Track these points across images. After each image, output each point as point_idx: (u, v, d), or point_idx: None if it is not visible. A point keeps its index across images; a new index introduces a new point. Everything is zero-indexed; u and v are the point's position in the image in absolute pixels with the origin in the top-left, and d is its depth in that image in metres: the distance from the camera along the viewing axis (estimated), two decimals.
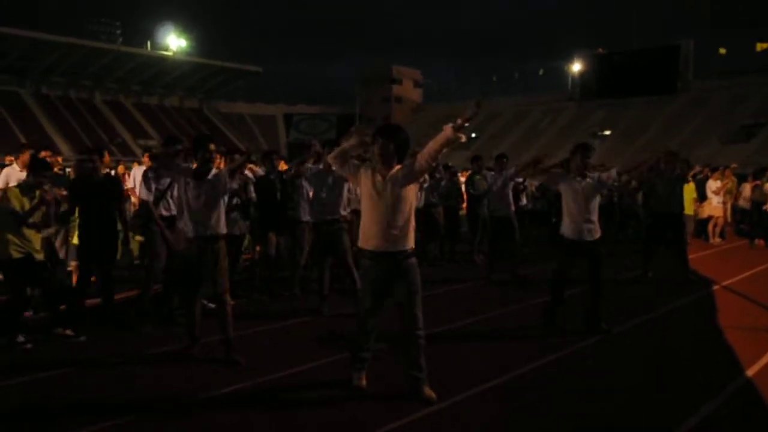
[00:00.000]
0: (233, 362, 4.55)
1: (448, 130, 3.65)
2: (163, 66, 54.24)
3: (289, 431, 3.52)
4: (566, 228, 5.58)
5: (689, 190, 10.68)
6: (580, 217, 5.50)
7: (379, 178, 3.87)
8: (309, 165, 6.52)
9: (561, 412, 3.80)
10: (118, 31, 53.72)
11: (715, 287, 7.75)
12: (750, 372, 4.50)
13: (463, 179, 10.95)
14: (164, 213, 5.58)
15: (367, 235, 3.89)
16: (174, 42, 55.80)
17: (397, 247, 3.85)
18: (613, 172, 5.78)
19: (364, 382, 4.08)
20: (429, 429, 3.55)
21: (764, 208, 11.97)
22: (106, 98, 53.28)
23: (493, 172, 8.57)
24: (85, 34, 50.37)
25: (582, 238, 5.50)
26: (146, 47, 54.07)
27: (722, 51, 49.34)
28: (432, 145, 3.73)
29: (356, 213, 7.24)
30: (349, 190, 6.49)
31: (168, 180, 5.54)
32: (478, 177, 9.71)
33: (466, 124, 3.60)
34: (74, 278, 6.44)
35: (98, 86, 52.67)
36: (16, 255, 4.93)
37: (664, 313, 6.40)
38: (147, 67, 53.61)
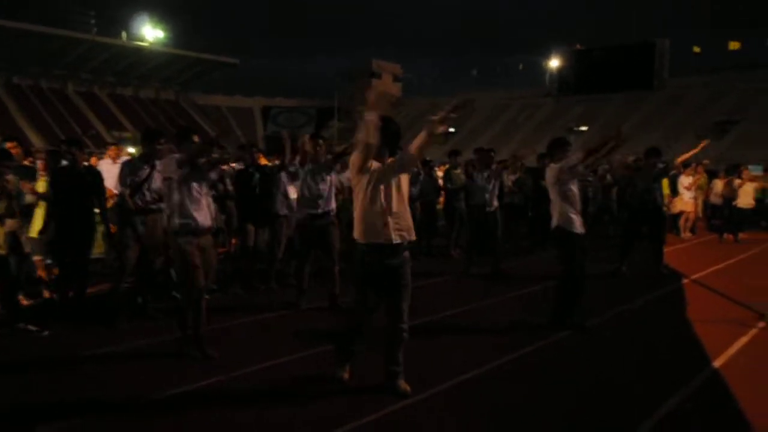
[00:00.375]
0: (207, 357, 4.51)
1: (427, 126, 3.68)
2: (138, 57, 53.36)
3: (263, 425, 3.51)
4: (572, 222, 5.53)
5: (663, 186, 10.90)
6: (576, 209, 5.57)
7: (381, 169, 3.83)
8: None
9: (535, 404, 3.85)
10: (93, 21, 52.50)
11: (686, 281, 7.91)
12: (717, 363, 4.61)
13: (440, 173, 10.99)
14: (141, 205, 5.51)
15: (371, 228, 3.79)
16: (150, 33, 54.85)
17: (402, 239, 3.82)
18: (573, 159, 5.73)
19: (347, 375, 4.06)
20: (405, 422, 3.57)
21: (734, 203, 12.26)
22: (79, 89, 52.27)
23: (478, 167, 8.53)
24: (59, 22, 49.17)
25: (580, 231, 5.56)
26: (121, 37, 53.07)
27: (696, 49, 50.11)
28: (417, 140, 3.75)
29: None
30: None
31: (146, 172, 5.46)
32: (455, 171, 9.77)
33: (452, 115, 3.64)
34: (39, 272, 6.34)
35: (71, 77, 51.65)
36: None
37: (638, 306, 6.52)
38: (122, 58, 52.70)
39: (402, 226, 3.82)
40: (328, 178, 6.06)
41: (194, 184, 4.52)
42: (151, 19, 55.18)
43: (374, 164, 3.83)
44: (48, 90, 50.06)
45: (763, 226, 13.79)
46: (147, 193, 5.48)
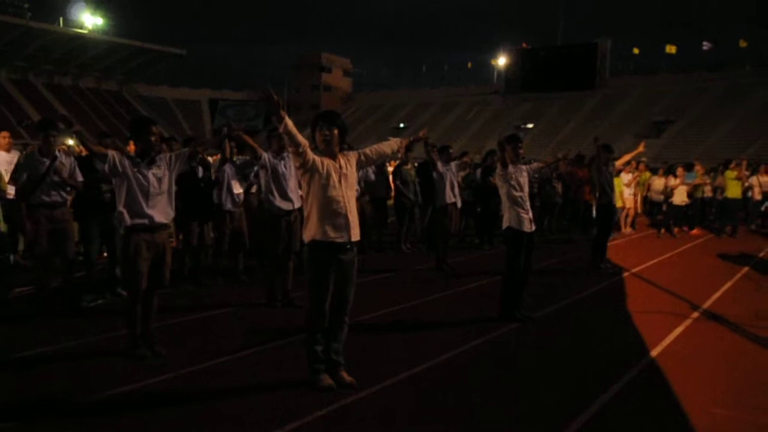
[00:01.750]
0: (156, 354, 4.41)
1: (395, 142, 4.15)
2: (77, 44, 51.19)
3: (212, 422, 3.46)
4: (519, 220, 5.61)
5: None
6: (526, 208, 5.68)
7: (336, 165, 3.84)
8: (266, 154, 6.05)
9: (483, 396, 3.94)
10: (26, 5, 49.93)
11: (626, 274, 8.24)
12: (654, 352, 4.83)
13: (391, 169, 11.05)
14: (46, 199, 5.34)
15: (329, 227, 3.77)
16: (89, 19, 52.66)
17: (354, 237, 3.86)
18: (535, 165, 5.99)
19: (331, 381, 3.88)
20: (354, 416, 3.58)
21: (670, 200, 12.83)
22: (13, 77, 49.76)
23: (440, 163, 8.59)
24: None
25: (529, 229, 5.66)
26: (58, 24, 50.76)
27: (636, 51, 52.09)
28: (381, 149, 4.12)
29: None
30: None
31: (46, 164, 5.27)
32: (406, 167, 9.85)
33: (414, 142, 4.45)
34: None
35: (5, 64, 49.09)
36: None
37: (579, 299, 6.75)
38: (59, 45, 50.44)
39: (354, 225, 3.88)
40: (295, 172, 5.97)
41: (152, 179, 4.35)
42: (89, 5, 53.02)
43: (325, 161, 3.83)
44: None
45: (716, 227, 13.64)
46: (52, 188, 5.29)
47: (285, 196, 5.85)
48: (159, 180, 4.39)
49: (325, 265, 3.81)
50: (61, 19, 50.97)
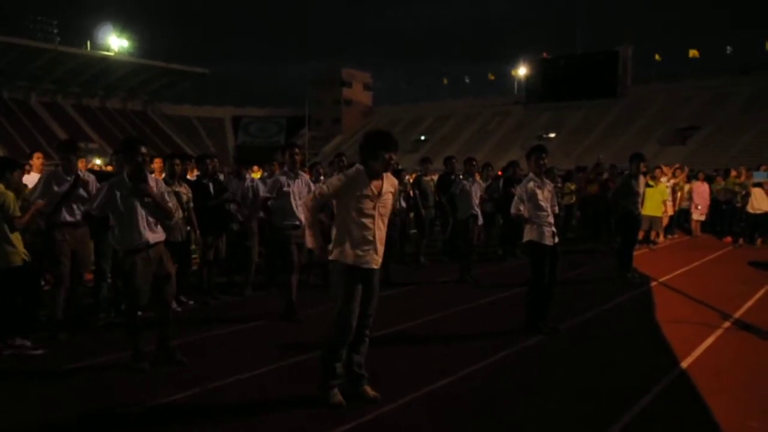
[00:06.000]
0: (178, 364, 4.47)
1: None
2: (104, 66, 52.52)
3: None
4: (542, 235, 5.57)
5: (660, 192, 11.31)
6: (548, 221, 5.61)
7: (377, 189, 3.80)
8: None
9: (509, 409, 3.88)
10: (55, 30, 51.39)
11: (654, 283, 8.08)
12: (684, 364, 4.72)
13: (410, 179, 11.04)
14: (68, 219, 5.25)
15: (354, 251, 3.76)
16: (115, 42, 54.03)
17: (377, 265, 3.86)
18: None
19: (341, 399, 3.83)
20: (382, 430, 3.56)
21: (746, 208, 12.31)
22: (42, 100, 51.16)
23: (461, 175, 8.58)
24: (21, 32, 48.03)
25: (551, 242, 5.60)
26: (86, 47, 52.13)
27: (657, 57, 51.55)
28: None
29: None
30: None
31: (66, 185, 5.20)
32: (425, 179, 9.82)
33: None
34: None
35: (35, 87, 50.51)
36: None
37: (606, 310, 6.63)
38: (87, 68, 51.79)
39: (381, 252, 3.88)
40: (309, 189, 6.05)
41: (146, 198, 4.42)
42: (115, 29, 54.43)
43: (366, 187, 3.75)
44: (10, 101, 48.86)
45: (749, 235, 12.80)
46: (74, 206, 5.28)
47: (292, 213, 5.93)
48: (158, 197, 4.47)
49: (351, 282, 3.80)
50: (88, 42, 52.39)
